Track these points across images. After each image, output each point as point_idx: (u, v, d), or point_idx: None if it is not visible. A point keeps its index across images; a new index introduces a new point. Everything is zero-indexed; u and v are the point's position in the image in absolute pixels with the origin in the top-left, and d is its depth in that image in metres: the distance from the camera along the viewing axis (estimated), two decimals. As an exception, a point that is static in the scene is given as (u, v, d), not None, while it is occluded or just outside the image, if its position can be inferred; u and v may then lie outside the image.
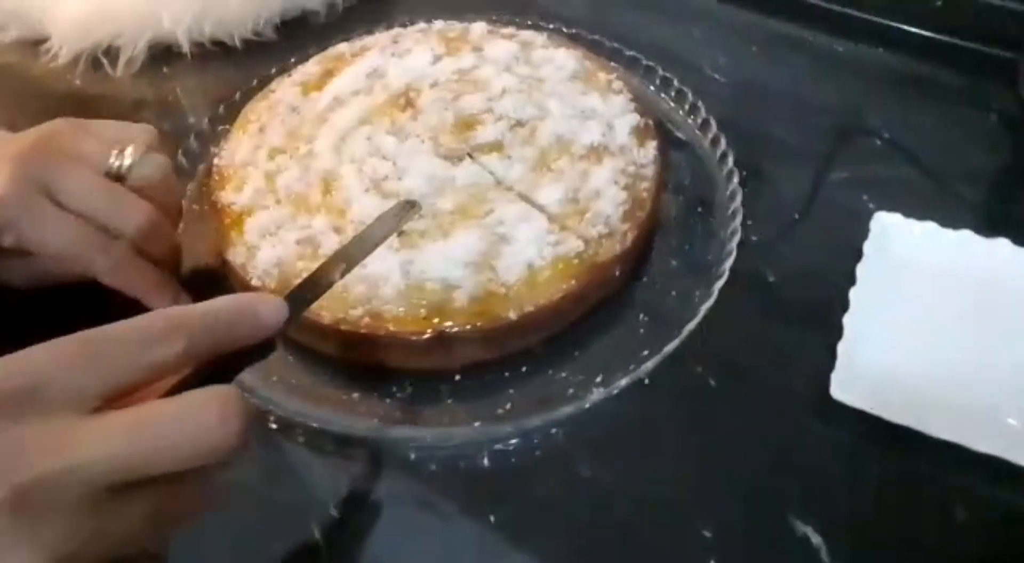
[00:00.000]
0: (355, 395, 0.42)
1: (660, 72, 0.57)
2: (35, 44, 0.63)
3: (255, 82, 0.56)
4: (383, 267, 0.42)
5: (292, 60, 0.57)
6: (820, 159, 0.55)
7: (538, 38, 0.54)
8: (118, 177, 0.41)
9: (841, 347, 0.42)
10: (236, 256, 0.45)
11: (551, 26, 0.59)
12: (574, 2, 0.68)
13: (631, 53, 0.58)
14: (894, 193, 0.51)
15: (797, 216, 0.51)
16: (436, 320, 0.41)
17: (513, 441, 0.40)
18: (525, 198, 0.45)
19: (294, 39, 0.64)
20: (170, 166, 0.45)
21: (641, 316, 0.45)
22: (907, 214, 0.48)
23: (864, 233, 0.48)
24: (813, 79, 0.61)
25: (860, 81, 0.60)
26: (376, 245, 0.40)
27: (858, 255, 0.46)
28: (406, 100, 0.51)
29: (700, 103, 0.55)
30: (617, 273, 0.44)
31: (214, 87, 0.61)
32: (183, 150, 0.53)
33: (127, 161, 0.42)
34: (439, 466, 0.40)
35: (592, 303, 0.44)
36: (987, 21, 0.60)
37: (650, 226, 0.47)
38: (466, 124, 0.49)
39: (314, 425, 0.40)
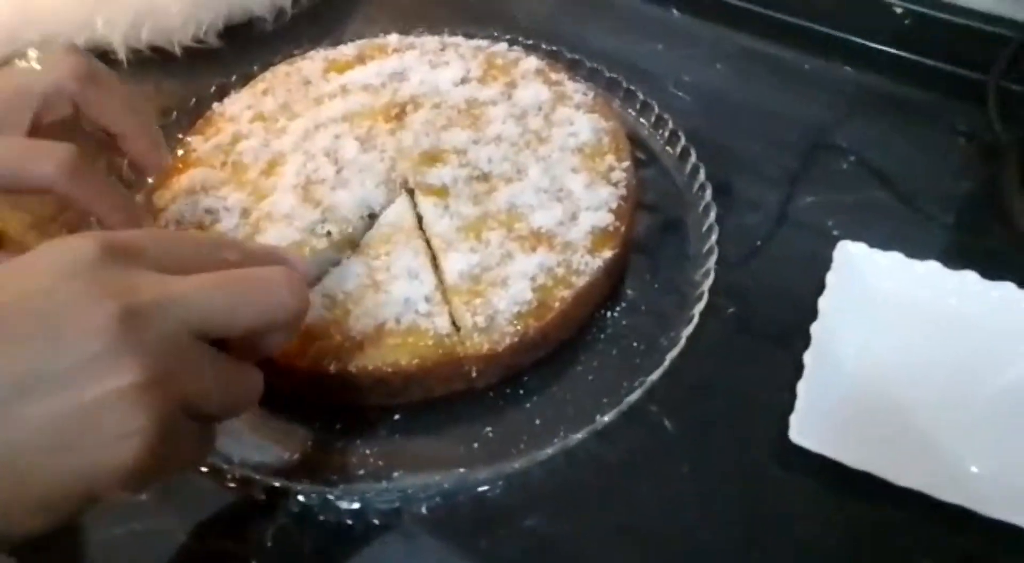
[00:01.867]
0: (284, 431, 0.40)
1: (624, 85, 0.55)
2: (-40, 47, 0.59)
3: (192, 101, 0.53)
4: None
5: (234, 78, 0.54)
6: (786, 181, 0.53)
7: (577, 94, 0.50)
8: None
9: (801, 386, 0.40)
10: (159, 198, 0.46)
11: (508, 37, 0.56)
12: (535, 14, 0.66)
13: (592, 65, 0.56)
14: (860, 219, 0.50)
15: (760, 243, 0.49)
16: None
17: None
18: (432, 255, 0.42)
19: (239, 47, 0.61)
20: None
21: (613, 351, 0.43)
22: (872, 242, 0.46)
23: (828, 262, 0.46)
24: (780, 97, 0.59)
25: (828, 100, 0.58)
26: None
27: (821, 286, 0.44)
28: (400, 111, 0.48)
29: (667, 116, 0.53)
30: (473, 374, 0.40)
31: (154, 97, 0.58)
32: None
33: None
34: (374, 514, 0.38)
35: (438, 388, 0.40)
36: (957, 41, 0.59)
37: (541, 339, 0.40)
38: (432, 157, 0.46)
39: (243, 473, 0.37)
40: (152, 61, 0.60)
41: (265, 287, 0.30)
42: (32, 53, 0.51)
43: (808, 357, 0.40)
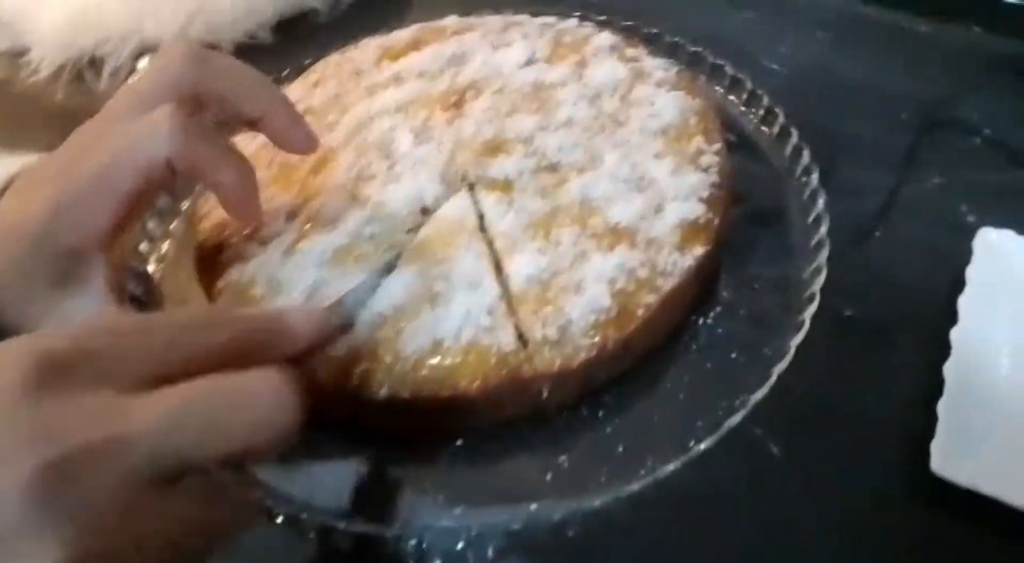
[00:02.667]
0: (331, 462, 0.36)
1: (710, 60, 0.49)
2: (16, 56, 0.58)
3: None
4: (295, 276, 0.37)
5: (286, 72, 0.51)
6: (905, 163, 0.46)
7: (658, 70, 0.44)
8: None
9: (943, 405, 0.33)
10: (203, 204, 0.42)
11: (578, 13, 0.51)
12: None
13: (674, 39, 0.50)
14: (999, 203, 0.42)
15: (879, 233, 0.42)
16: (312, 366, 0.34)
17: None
18: (495, 258, 0.37)
19: (292, 41, 0.58)
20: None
21: (707, 364, 0.37)
22: (1020, 230, 0.39)
23: (965, 254, 0.39)
24: (894, 67, 0.52)
25: (951, 68, 0.51)
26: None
27: (959, 282, 0.37)
28: (459, 99, 0.43)
29: (761, 92, 0.46)
30: (544, 394, 0.34)
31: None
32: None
33: None
34: (437, 554, 0.33)
35: (507, 412, 0.35)
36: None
37: (623, 352, 0.35)
38: (495, 148, 0.41)
39: (289, 511, 0.33)
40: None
41: (245, 405, 0.24)
42: (141, 64, 0.49)
43: (949, 369, 0.34)
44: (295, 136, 0.37)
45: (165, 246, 0.44)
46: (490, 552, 0.33)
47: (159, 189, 0.34)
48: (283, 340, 0.28)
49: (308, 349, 0.29)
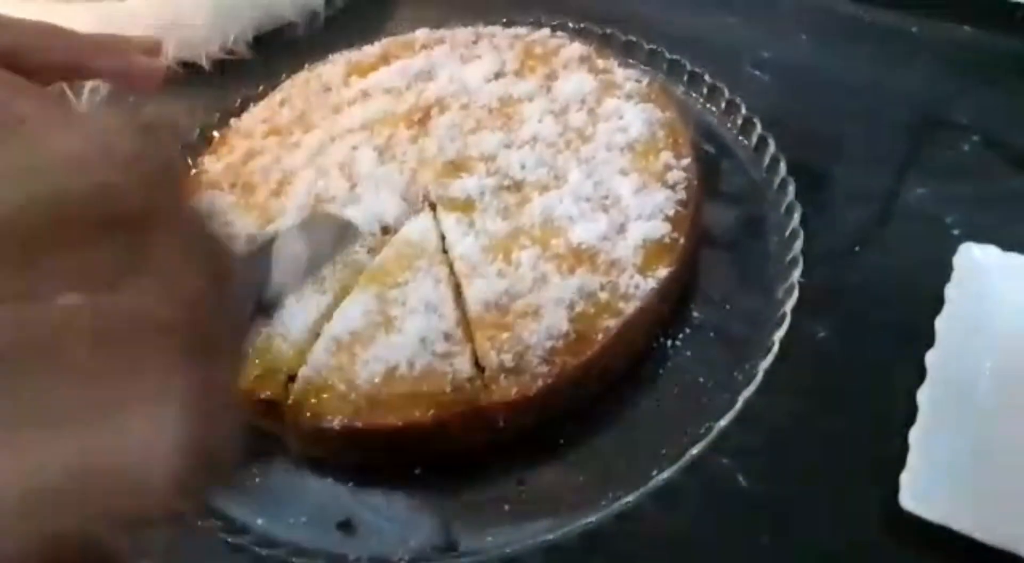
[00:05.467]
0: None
1: (688, 67, 0.47)
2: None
3: (216, 117, 0.49)
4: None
5: (260, 88, 0.50)
6: (892, 169, 0.44)
7: (628, 82, 0.43)
8: None
9: (915, 434, 0.32)
10: None
11: (555, 22, 0.49)
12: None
13: (651, 46, 0.49)
14: (987, 214, 0.41)
15: (859, 248, 0.41)
16: (265, 388, 0.34)
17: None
18: (455, 281, 0.36)
19: (270, 55, 0.57)
20: None
21: (674, 389, 0.36)
22: (1006, 245, 0.37)
23: (947, 270, 0.37)
24: (882, 70, 0.50)
25: (942, 69, 0.49)
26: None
27: (939, 301, 0.36)
28: (423, 116, 0.43)
29: (739, 100, 0.45)
30: (500, 423, 0.33)
31: (187, 112, 0.54)
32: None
33: None
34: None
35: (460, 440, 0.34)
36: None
37: (582, 378, 0.34)
38: (458, 166, 0.40)
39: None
40: (182, 76, 0.56)
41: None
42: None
43: (923, 395, 0.32)
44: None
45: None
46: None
47: None
48: None
49: None
